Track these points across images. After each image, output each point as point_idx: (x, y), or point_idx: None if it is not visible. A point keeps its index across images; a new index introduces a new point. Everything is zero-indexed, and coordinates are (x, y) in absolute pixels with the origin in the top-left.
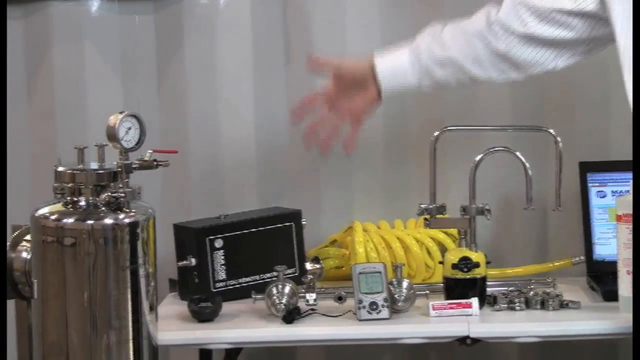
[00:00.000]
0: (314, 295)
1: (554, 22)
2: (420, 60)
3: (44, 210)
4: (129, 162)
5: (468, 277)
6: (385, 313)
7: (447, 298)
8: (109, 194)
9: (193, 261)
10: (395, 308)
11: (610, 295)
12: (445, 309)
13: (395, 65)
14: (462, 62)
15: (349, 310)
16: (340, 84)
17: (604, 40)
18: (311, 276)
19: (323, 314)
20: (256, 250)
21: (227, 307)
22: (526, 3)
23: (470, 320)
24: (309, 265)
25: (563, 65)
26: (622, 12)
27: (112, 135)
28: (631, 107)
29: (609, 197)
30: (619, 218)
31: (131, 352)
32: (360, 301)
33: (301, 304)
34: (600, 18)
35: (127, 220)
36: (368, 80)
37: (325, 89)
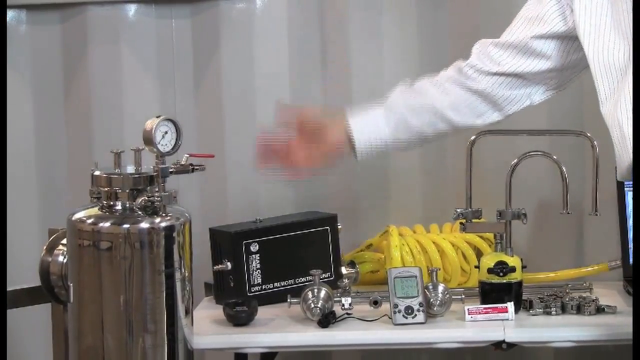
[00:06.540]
0: (349, 300)
1: (530, 53)
2: (394, 111)
3: (80, 214)
4: (165, 166)
5: (504, 281)
6: (420, 317)
7: (483, 302)
8: (145, 198)
9: (229, 265)
10: (430, 312)
11: None
12: (480, 313)
13: (367, 119)
14: (439, 108)
15: (385, 315)
16: (302, 136)
17: (579, 67)
18: (347, 280)
19: (358, 318)
20: (292, 254)
21: (262, 311)
22: (497, 43)
23: (506, 325)
24: (344, 270)
25: (539, 100)
26: (587, 19)
27: (149, 139)
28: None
29: None
30: None
31: (166, 356)
32: (396, 305)
33: (337, 308)
34: (574, 39)
35: (163, 224)
36: (329, 135)
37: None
